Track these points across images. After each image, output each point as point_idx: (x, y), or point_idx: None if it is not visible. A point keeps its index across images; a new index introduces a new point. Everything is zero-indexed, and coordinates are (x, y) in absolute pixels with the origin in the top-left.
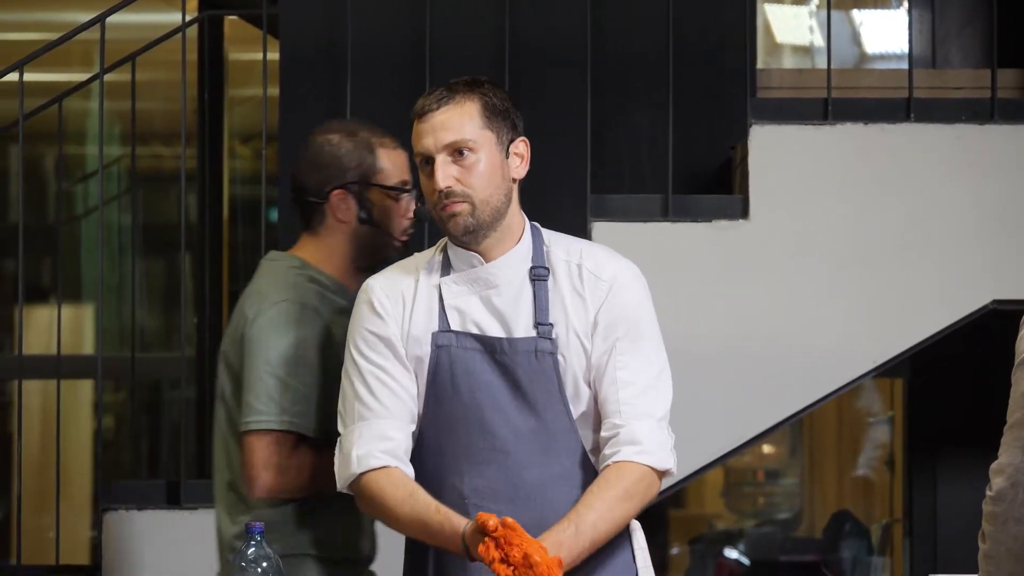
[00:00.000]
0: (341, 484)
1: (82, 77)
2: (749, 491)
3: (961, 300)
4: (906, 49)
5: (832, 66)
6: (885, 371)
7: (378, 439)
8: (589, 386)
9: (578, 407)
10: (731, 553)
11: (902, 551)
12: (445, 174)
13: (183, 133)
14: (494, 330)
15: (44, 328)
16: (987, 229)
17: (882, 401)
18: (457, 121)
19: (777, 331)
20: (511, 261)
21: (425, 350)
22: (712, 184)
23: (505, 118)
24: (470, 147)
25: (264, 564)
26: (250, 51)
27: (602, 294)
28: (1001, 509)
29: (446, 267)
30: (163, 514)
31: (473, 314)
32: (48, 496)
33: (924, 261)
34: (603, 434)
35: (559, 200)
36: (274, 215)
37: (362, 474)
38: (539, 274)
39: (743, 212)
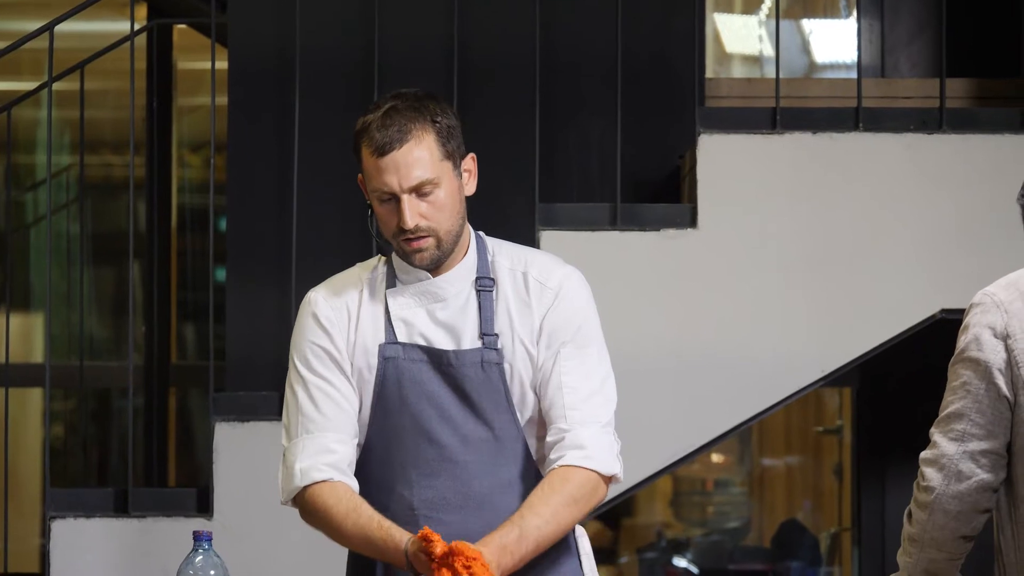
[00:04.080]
0: (284, 497)
1: (31, 85)
2: (698, 500)
3: (910, 309)
4: (855, 58)
5: (781, 75)
6: (834, 380)
7: (321, 452)
8: (535, 392)
9: (524, 414)
10: (680, 562)
11: (851, 560)
12: (412, 213)
13: (132, 141)
14: (441, 342)
15: None
16: (936, 238)
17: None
18: (419, 158)
19: (726, 340)
20: (459, 274)
21: (372, 362)
22: (661, 193)
23: (455, 139)
24: (434, 183)
25: (212, 572)
26: (199, 60)
27: (548, 301)
28: (932, 498)
29: (391, 278)
30: (111, 522)
31: (420, 326)
32: None
33: (873, 270)
34: (548, 439)
35: (508, 209)
36: (223, 224)
37: (306, 487)
38: (484, 285)
39: (691, 221)
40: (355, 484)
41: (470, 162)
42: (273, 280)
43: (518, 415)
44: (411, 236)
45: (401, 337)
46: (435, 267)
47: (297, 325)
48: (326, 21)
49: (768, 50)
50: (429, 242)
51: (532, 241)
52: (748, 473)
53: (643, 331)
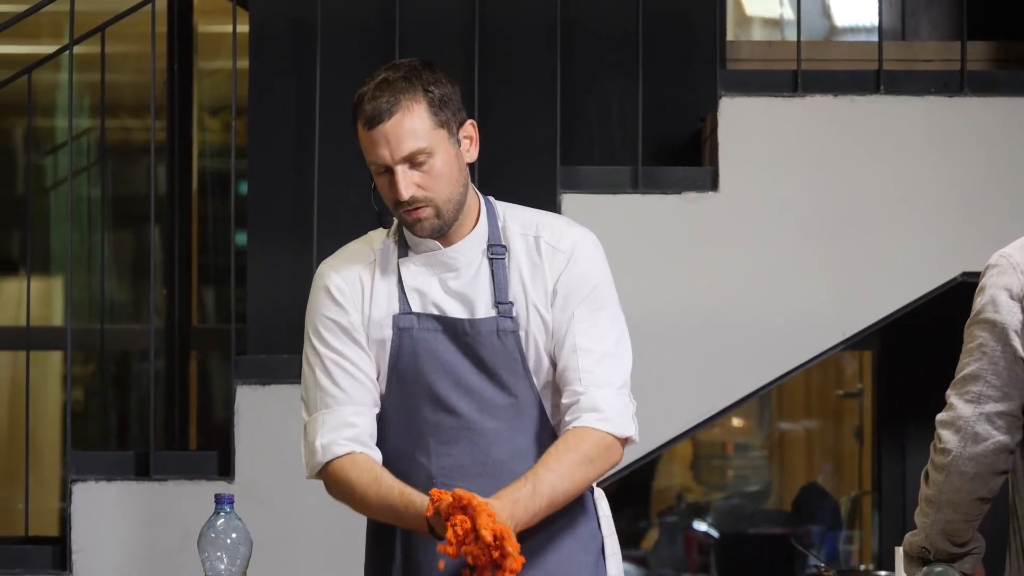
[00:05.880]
0: (308, 473)
1: (51, 49)
2: (718, 464)
3: (930, 273)
4: (876, 21)
5: (802, 38)
6: (855, 343)
7: (342, 427)
8: (550, 357)
9: (540, 379)
10: (700, 526)
11: (871, 523)
12: (407, 184)
13: (152, 105)
14: (455, 311)
15: (13, 300)
16: (957, 201)
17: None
18: (409, 129)
19: (746, 303)
20: (470, 243)
21: (387, 333)
22: (682, 156)
23: (451, 107)
24: (427, 152)
25: (234, 535)
26: (220, 23)
27: (561, 264)
28: (948, 460)
29: (403, 247)
30: (132, 485)
31: (433, 296)
32: (17, 468)
33: (894, 233)
34: (564, 401)
35: (529, 172)
36: (244, 188)
37: (328, 462)
38: (496, 252)
39: (712, 184)
40: (377, 455)
41: (470, 128)
42: (293, 243)
43: (535, 381)
44: (409, 207)
45: (415, 307)
46: (439, 236)
47: (311, 299)
48: None
49: (788, 13)
50: (428, 211)
51: (554, 204)
52: (768, 437)
53: (664, 294)
